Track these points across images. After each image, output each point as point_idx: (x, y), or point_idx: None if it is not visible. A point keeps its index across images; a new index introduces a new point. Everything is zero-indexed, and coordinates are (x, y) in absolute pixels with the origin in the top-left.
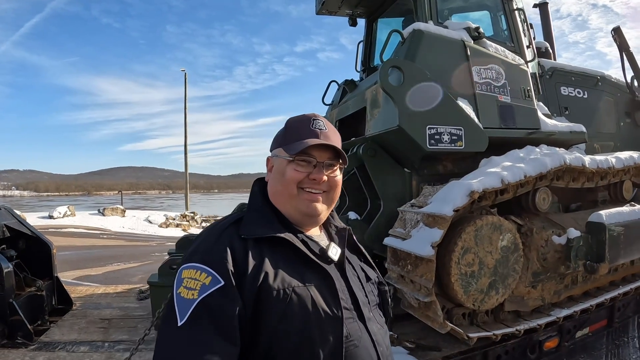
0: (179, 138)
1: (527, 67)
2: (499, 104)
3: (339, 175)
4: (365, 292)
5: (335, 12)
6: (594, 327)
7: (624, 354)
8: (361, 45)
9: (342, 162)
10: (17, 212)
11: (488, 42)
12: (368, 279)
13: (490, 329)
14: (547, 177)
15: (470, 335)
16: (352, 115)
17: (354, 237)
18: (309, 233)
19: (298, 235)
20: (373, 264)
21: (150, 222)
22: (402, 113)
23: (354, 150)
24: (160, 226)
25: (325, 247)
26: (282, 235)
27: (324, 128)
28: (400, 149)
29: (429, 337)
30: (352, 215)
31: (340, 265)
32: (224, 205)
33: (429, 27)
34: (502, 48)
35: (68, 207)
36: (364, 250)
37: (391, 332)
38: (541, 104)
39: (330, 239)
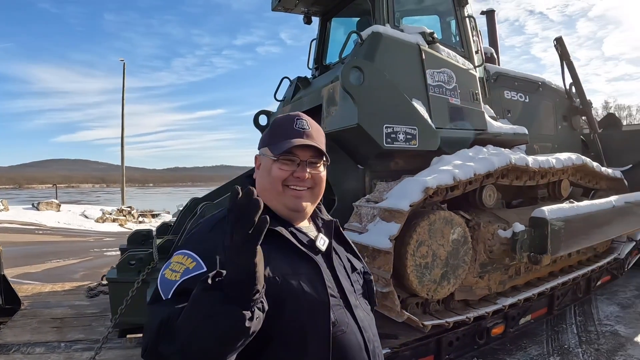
0: (115, 130)
1: (476, 71)
2: (450, 105)
3: (322, 172)
4: (351, 281)
5: (292, 9)
6: (536, 315)
7: (562, 339)
8: (314, 43)
9: (325, 160)
10: None
11: (441, 47)
12: (354, 269)
13: (442, 317)
14: (494, 175)
15: (425, 323)
16: (306, 112)
17: (341, 229)
18: (298, 226)
19: (288, 227)
20: (359, 255)
21: (86, 216)
22: (361, 112)
23: None
24: (97, 221)
25: (313, 239)
26: (272, 227)
27: (307, 127)
28: (357, 146)
29: (386, 325)
30: None
31: (327, 255)
32: (161, 200)
33: (388, 30)
34: (454, 53)
35: (1, 201)
36: (350, 242)
37: None
38: (487, 106)
39: (319, 230)
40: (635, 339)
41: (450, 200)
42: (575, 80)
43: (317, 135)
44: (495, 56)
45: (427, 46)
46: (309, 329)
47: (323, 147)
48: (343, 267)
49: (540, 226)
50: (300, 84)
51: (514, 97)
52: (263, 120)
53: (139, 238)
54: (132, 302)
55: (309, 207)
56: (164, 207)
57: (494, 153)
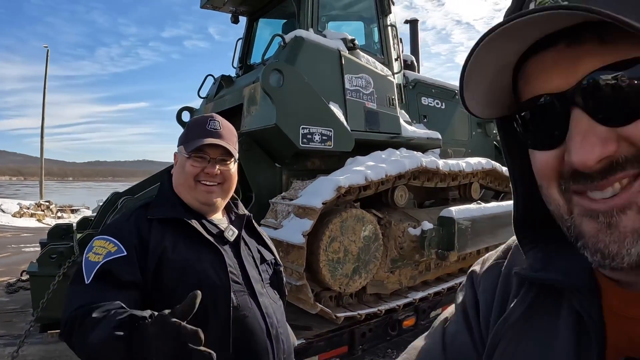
0: (33, 120)
1: (394, 78)
2: (366, 109)
3: (232, 169)
4: (259, 271)
5: (220, 7)
6: (446, 308)
7: None
8: (240, 42)
9: (234, 158)
10: None
11: (361, 53)
12: (263, 259)
13: (355, 310)
14: (405, 176)
15: (338, 315)
16: (228, 110)
17: (254, 223)
18: (211, 217)
19: (200, 219)
20: (271, 247)
21: (3, 211)
22: (279, 112)
23: None
24: (14, 216)
25: (223, 230)
26: (180, 216)
27: (219, 128)
28: (274, 145)
29: (301, 318)
30: None
31: (236, 245)
32: (80, 194)
33: (310, 35)
34: (373, 59)
35: None
36: (263, 235)
37: None
38: (403, 111)
39: (231, 223)
40: None
41: (363, 199)
42: None
43: (228, 136)
44: (416, 64)
45: (347, 52)
46: (210, 310)
47: (233, 146)
48: (252, 257)
49: (448, 225)
50: (223, 82)
51: (431, 103)
52: (186, 116)
53: (60, 232)
54: (53, 296)
55: (220, 201)
56: (84, 202)
57: (406, 155)
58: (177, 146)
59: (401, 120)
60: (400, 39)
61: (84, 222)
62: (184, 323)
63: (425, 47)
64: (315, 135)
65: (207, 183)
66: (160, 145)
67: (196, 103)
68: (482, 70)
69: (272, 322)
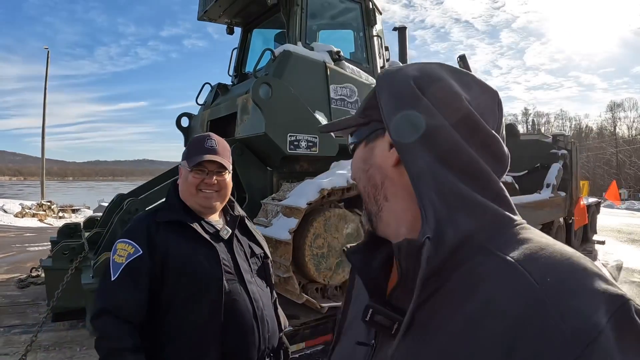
0: (32, 119)
1: None
2: None
3: (227, 179)
4: (249, 263)
5: (216, 19)
6: None
7: None
8: (235, 51)
9: (228, 170)
10: None
11: (346, 63)
12: (253, 254)
13: (339, 300)
14: None
15: (323, 305)
16: (223, 118)
17: (247, 222)
18: (210, 219)
19: (200, 220)
20: (261, 243)
21: (5, 211)
22: (268, 122)
23: None
24: (16, 216)
25: (218, 229)
26: (182, 219)
27: (215, 146)
28: (265, 151)
29: (289, 308)
30: None
31: (229, 242)
32: (81, 194)
33: (297, 48)
34: (358, 69)
35: None
36: (254, 232)
37: None
38: None
39: (226, 223)
40: None
41: (348, 200)
42: None
43: (223, 152)
44: None
45: (332, 64)
46: (205, 295)
47: (227, 160)
48: (243, 251)
49: None
50: (219, 90)
51: None
52: (185, 122)
53: (69, 231)
54: (66, 287)
55: (217, 205)
56: (85, 201)
57: None
58: (181, 161)
59: None
60: (387, 47)
61: (90, 222)
62: None
63: (424, 46)
64: (302, 141)
65: (207, 191)
66: (159, 145)
67: (195, 104)
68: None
69: (259, 305)
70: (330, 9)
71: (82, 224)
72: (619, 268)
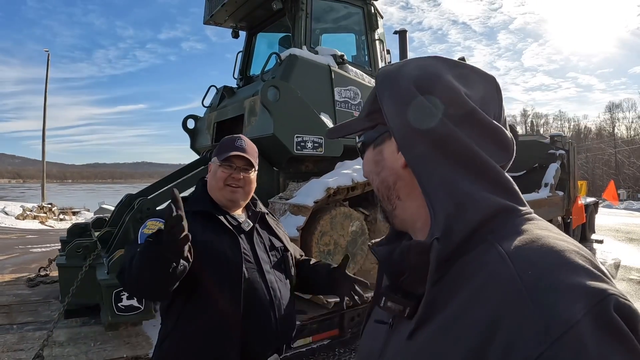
0: (31, 122)
1: None
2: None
3: (252, 176)
4: (268, 255)
5: (221, 24)
6: None
7: None
8: (240, 55)
9: (255, 168)
10: None
11: (350, 67)
12: (273, 247)
13: None
14: None
15: (329, 300)
16: (230, 119)
17: (267, 218)
18: (234, 213)
19: (224, 213)
20: (281, 238)
21: (6, 213)
22: (276, 123)
23: None
24: (17, 218)
25: (241, 222)
26: (208, 210)
27: (244, 145)
28: (272, 151)
29: (297, 303)
30: None
31: (249, 234)
32: (81, 197)
33: (303, 52)
34: (361, 72)
35: None
36: (275, 227)
37: None
38: None
39: (248, 217)
40: None
41: (352, 198)
42: None
43: (251, 151)
44: None
45: (337, 67)
46: (227, 278)
47: (254, 159)
48: (263, 244)
49: None
50: (225, 92)
51: None
52: (191, 124)
53: (78, 230)
54: (80, 284)
55: (242, 200)
56: (85, 204)
57: None
58: (212, 157)
59: None
60: (388, 50)
61: (98, 222)
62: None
63: (422, 48)
64: (308, 142)
65: (233, 185)
66: (158, 147)
67: (194, 103)
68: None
69: (276, 294)
70: (334, 14)
71: (91, 223)
72: (617, 266)
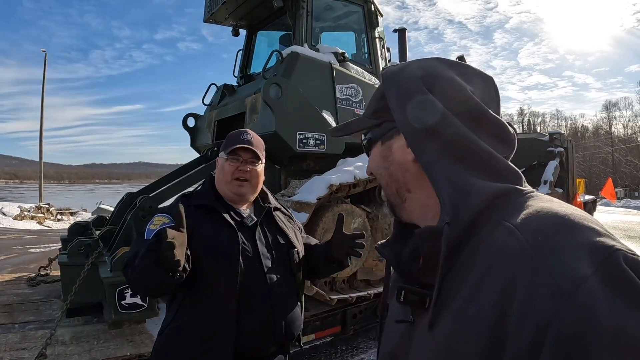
0: (28, 123)
1: None
2: (355, 116)
3: (259, 170)
4: (271, 252)
5: (222, 22)
6: None
7: None
8: (240, 53)
9: (261, 162)
10: None
11: (351, 64)
12: (277, 243)
13: (346, 293)
14: None
15: (332, 297)
16: (231, 117)
17: (273, 213)
18: (240, 207)
19: (227, 208)
20: (288, 234)
21: (4, 214)
22: (278, 121)
23: None
24: (15, 218)
25: (245, 217)
26: (211, 204)
27: (250, 138)
28: (274, 149)
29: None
30: None
31: (252, 229)
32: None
33: (304, 50)
34: (362, 70)
35: None
36: (280, 225)
37: None
38: None
39: (254, 212)
40: None
41: (354, 196)
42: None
43: (257, 144)
44: None
45: (338, 64)
46: (223, 271)
47: (261, 152)
48: (267, 240)
49: None
50: (226, 91)
51: None
52: (191, 122)
53: (79, 229)
54: (83, 282)
55: (249, 194)
56: (82, 204)
57: None
58: (219, 152)
59: None
60: (388, 48)
61: (99, 221)
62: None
63: (418, 47)
64: (310, 139)
65: (240, 178)
66: (155, 147)
67: (192, 104)
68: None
69: (275, 290)
70: (334, 12)
71: (91, 222)
72: None
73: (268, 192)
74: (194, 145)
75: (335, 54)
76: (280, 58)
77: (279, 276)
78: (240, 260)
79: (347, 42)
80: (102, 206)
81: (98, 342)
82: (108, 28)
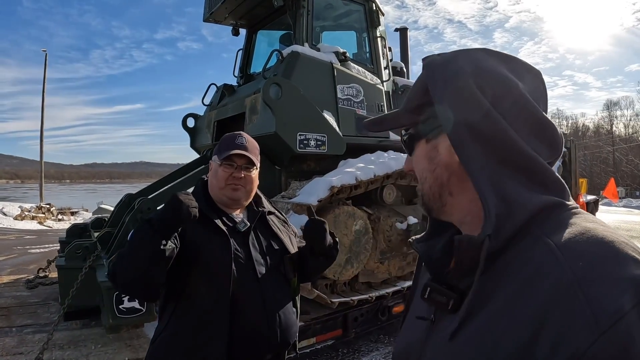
0: (29, 122)
1: (383, 86)
2: (357, 116)
3: (254, 175)
4: (265, 258)
5: (221, 21)
6: None
7: None
8: (240, 53)
9: (256, 167)
10: None
11: (352, 64)
12: (271, 249)
13: (348, 296)
14: (393, 176)
15: (333, 300)
16: (230, 118)
17: (270, 218)
18: (233, 213)
19: (220, 213)
20: (282, 239)
21: (4, 214)
22: (278, 121)
23: None
24: (16, 218)
25: (237, 222)
26: (202, 210)
27: (245, 142)
28: (274, 150)
29: (301, 303)
30: None
31: (245, 235)
32: (79, 197)
33: (305, 49)
34: (363, 70)
35: None
36: (274, 229)
37: None
38: None
39: (248, 218)
40: None
41: (355, 197)
42: None
43: (252, 149)
44: (405, 70)
45: (339, 64)
46: (214, 280)
47: (255, 157)
48: (260, 246)
49: None
50: (225, 91)
51: None
52: (191, 122)
53: (77, 231)
54: (80, 285)
55: (243, 199)
56: (83, 204)
57: (392, 157)
58: (212, 156)
59: None
60: (390, 48)
61: (98, 222)
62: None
63: (418, 47)
64: (311, 140)
65: (234, 184)
66: (156, 147)
67: (192, 103)
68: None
69: (269, 297)
70: (335, 11)
71: (90, 224)
72: None
73: (262, 196)
74: (193, 145)
75: (337, 53)
76: (280, 58)
77: (273, 282)
78: (233, 267)
79: (349, 41)
80: (103, 206)
81: (96, 347)
82: (108, 28)
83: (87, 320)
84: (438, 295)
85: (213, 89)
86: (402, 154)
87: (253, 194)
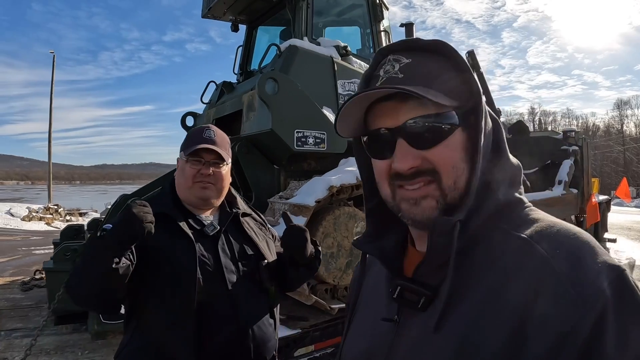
0: (39, 124)
1: None
2: None
3: (224, 171)
4: (237, 264)
5: (220, 17)
6: None
7: None
8: (240, 49)
9: (226, 162)
10: None
11: (353, 58)
12: (245, 254)
13: None
14: None
15: (333, 306)
16: (229, 115)
17: (245, 220)
18: (202, 215)
19: (186, 215)
20: (257, 244)
21: (12, 215)
22: (275, 118)
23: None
24: (23, 219)
25: (205, 225)
26: (167, 212)
27: (213, 136)
28: (271, 148)
29: (299, 310)
30: None
31: (214, 239)
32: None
33: (304, 43)
34: (365, 64)
35: None
36: (249, 233)
37: None
38: None
39: (219, 220)
40: None
41: (357, 197)
42: (485, 90)
43: (221, 143)
44: None
45: (340, 58)
46: (178, 287)
47: (225, 151)
48: (232, 251)
49: None
50: (225, 88)
51: None
52: (190, 121)
53: (72, 232)
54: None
55: (214, 198)
56: (92, 205)
57: None
58: (179, 152)
59: None
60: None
61: (94, 223)
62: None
63: None
64: (309, 138)
65: (203, 181)
66: (165, 148)
67: (199, 107)
68: (349, 112)
69: (241, 307)
70: (337, 5)
71: (86, 225)
72: (632, 266)
73: (237, 195)
74: None
75: (337, 47)
76: (278, 52)
77: (246, 292)
78: (199, 274)
79: (353, 38)
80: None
81: (83, 353)
82: (117, 30)
83: (77, 325)
84: (410, 293)
85: (212, 87)
86: None
87: (225, 192)
